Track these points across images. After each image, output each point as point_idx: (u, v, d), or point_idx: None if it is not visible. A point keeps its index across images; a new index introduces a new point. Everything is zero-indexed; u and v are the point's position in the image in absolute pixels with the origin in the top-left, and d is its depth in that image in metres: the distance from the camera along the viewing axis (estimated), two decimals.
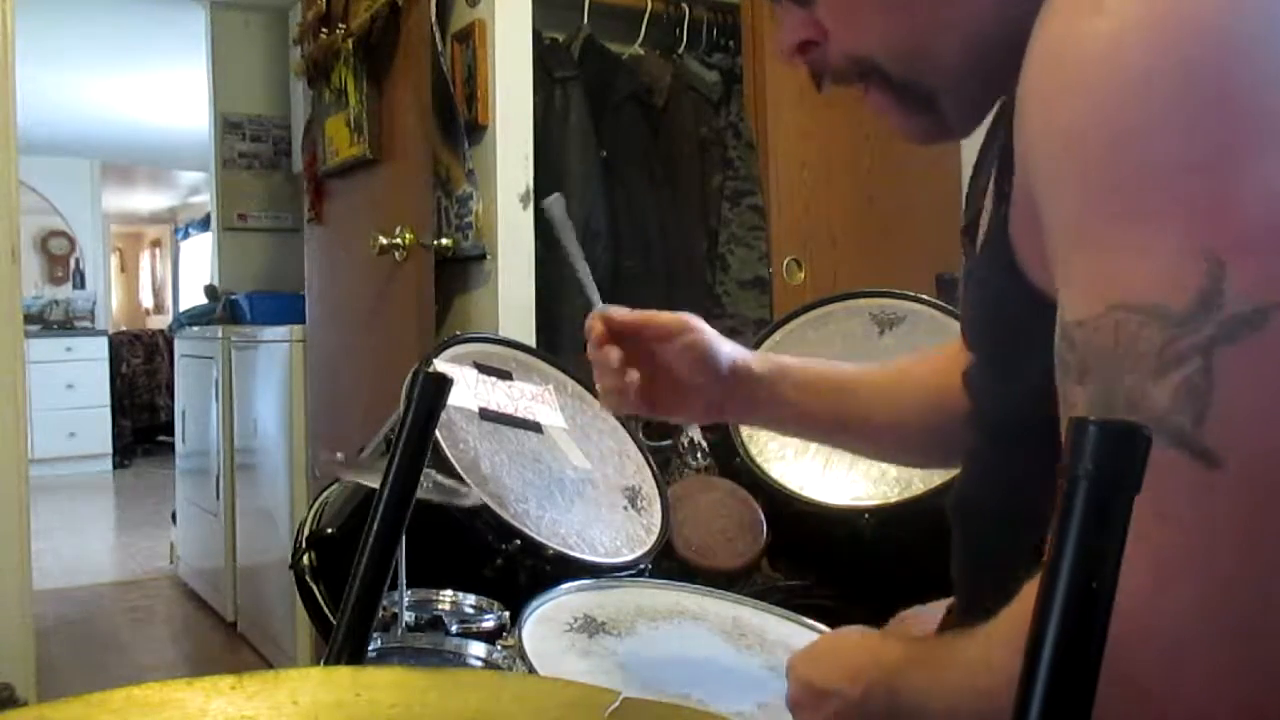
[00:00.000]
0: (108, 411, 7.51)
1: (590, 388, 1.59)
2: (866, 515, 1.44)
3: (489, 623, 1.07)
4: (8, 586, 2.37)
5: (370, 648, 0.69)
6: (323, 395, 2.89)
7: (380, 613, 0.92)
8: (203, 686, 0.38)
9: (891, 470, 1.46)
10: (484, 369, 1.43)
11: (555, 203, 1.07)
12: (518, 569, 1.18)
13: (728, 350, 0.97)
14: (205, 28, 4.12)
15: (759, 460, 1.56)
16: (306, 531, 1.31)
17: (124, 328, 9.06)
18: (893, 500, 1.44)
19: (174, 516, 4.38)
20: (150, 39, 5.08)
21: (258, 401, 3.37)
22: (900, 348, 1.59)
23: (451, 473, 1.19)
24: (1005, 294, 0.65)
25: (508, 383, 1.43)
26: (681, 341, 0.96)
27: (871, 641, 0.75)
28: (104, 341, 7.68)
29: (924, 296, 1.67)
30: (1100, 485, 0.33)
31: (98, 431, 7.44)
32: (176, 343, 4.34)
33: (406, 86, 2.38)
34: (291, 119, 4.01)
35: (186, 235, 8.27)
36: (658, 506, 1.38)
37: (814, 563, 1.54)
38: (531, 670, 0.88)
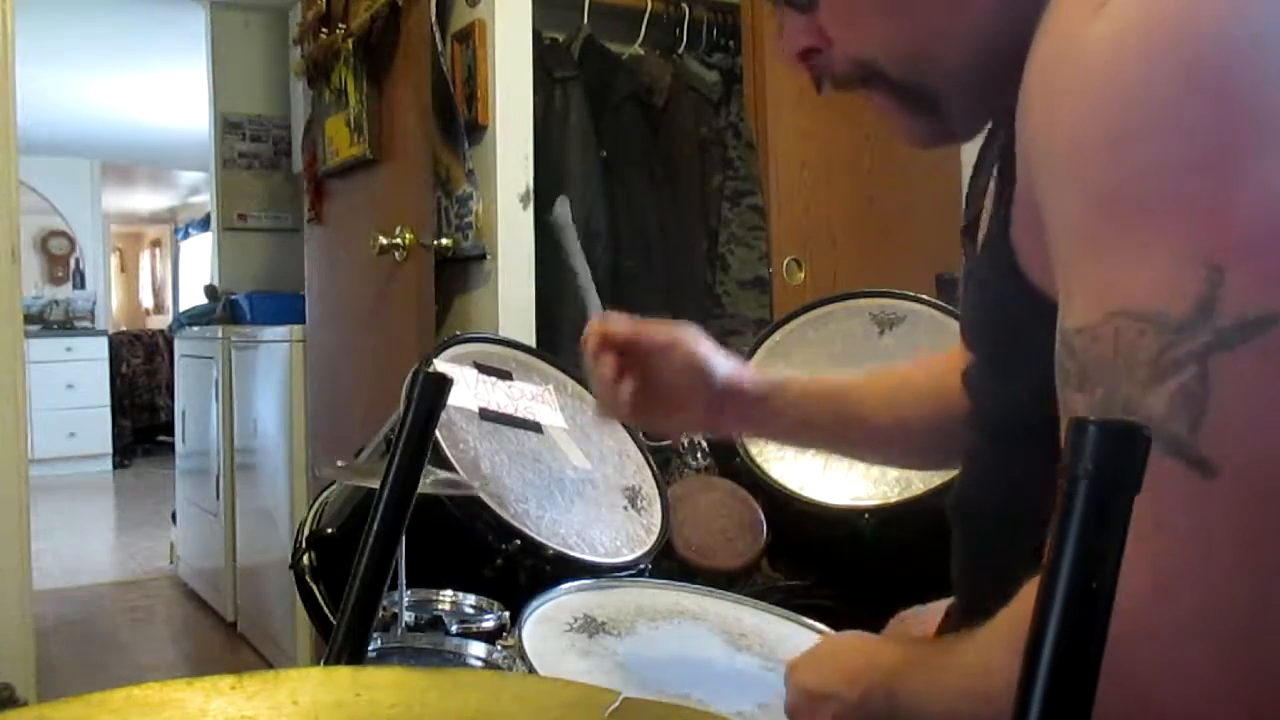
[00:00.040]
0: (108, 411, 7.51)
1: (590, 388, 1.60)
2: (866, 515, 1.44)
3: (489, 623, 1.07)
4: (8, 586, 2.37)
5: (370, 648, 0.69)
6: (323, 395, 2.89)
7: (380, 613, 0.92)
8: (203, 686, 0.38)
9: (891, 470, 1.46)
10: (484, 369, 1.43)
11: (561, 207, 1.07)
12: (518, 569, 1.18)
13: (724, 364, 0.97)
14: (205, 28, 4.12)
15: (759, 460, 1.56)
16: (306, 531, 1.31)
17: (124, 328, 9.06)
18: (893, 500, 1.44)
19: (174, 516, 4.38)
20: (150, 39, 5.08)
21: (258, 401, 3.37)
22: (900, 348, 1.59)
23: (451, 472, 1.19)
24: (1005, 294, 0.65)
25: (508, 383, 1.43)
26: (677, 355, 0.95)
27: (869, 645, 0.76)
28: (104, 341, 7.68)
29: (924, 296, 1.67)
30: (1100, 485, 0.33)
31: (98, 431, 7.44)
32: (176, 343, 4.34)
33: (406, 86, 2.38)
34: (291, 119, 4.01)
35: (186, 235, 8.27)
36: (658, 506, 1.38)
37: (814, 563, 1.54)
38: (531, 670, 0.88)
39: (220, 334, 3.70)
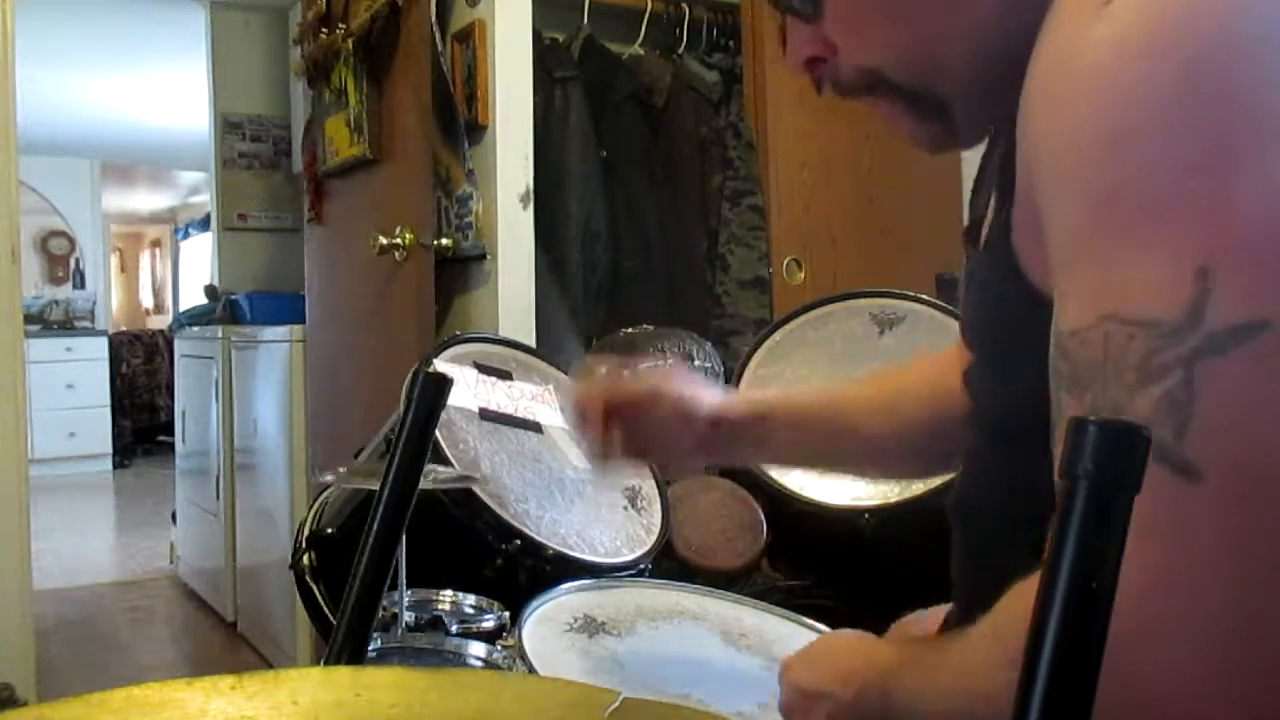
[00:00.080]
0: (108, 411, 7.51)
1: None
2: (866, 515, 1.44)
3: (489, 623, 1.07)
4: (8, 586, 2.37)
5: (370, 648, 0.69)
6: (323, 395, 2.89)
7: (380, 613, 0.92)
8: (203, 686, 0.38)
9: None
10: (484, 369, 1.43)
11: None
12: (518, 569, 1.18)
13: (709, 400, 0.96)
14: (205, 28, 4.12)
15: None
16: (306, 531, 1.31)
17: (124, 328, 9.06)
18: (893, 500, 1.44)
19: (174, 516, 4.38)
20: (150, 39, 5.08)
21: (258, 401, 3.37)
22: (900, 348, 1.59)
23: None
24: (1006, 296, 0.65)
25: (508, 383, 1.44)
26: (661, 403, 0.95)
27: (864, 644, 0.76)
28: (104, 341, 7.68)
29: (924, 296, 1.67)
30: (1100, 485, 0.33)
31: (98, 431, 7.44)
32: (176, 343, 4.34)
33: (406, 86, 2.38)
34: (291, 119, 4.01)
35: (186, 235, 8.27)
36: (658, 506, 1.38)
37: (814, 563, 1.54)
38: (531, 670, 0.88)
39: (220, 334, 3.70)
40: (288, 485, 3.08)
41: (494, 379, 1.42)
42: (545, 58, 2.54)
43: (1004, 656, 0.56)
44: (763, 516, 1.50)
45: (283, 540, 3.03)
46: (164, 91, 5.99)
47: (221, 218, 4.17)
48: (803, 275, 2.68)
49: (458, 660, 0.99)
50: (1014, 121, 0.61)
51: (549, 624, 0.99)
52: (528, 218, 2.35)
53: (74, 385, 7.32)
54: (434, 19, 2.37)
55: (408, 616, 1.02)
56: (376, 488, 0.53)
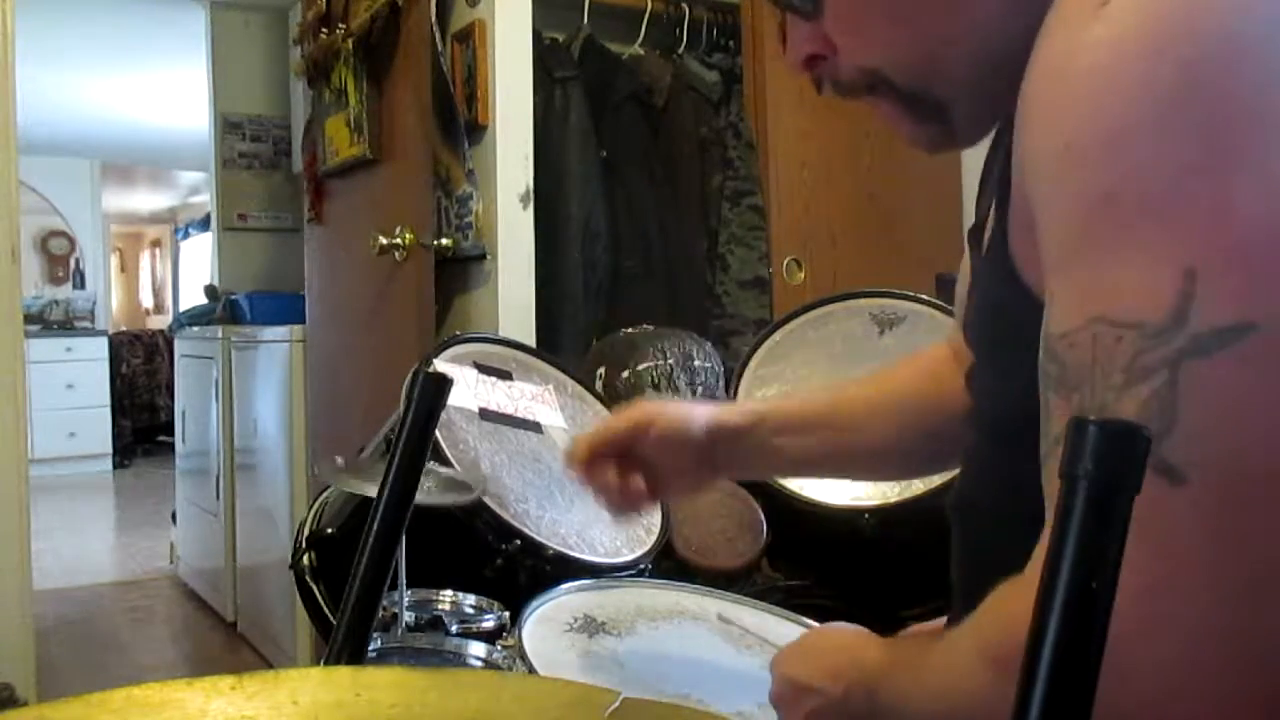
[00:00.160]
0: (108, 411, 7.51)
1: (589, 388, 1.59)
2: (866, 515, 1.44)
3: (489, 623, 1.07)
4: (8, 586, 2.37)
5: (370, 648, 0.69)
6: (323, 395, 2.89)
7: (380, 613, 0.92)
8: (203, 686, 0.38)
9: None
10: (484, 369, 1.43)
11: None
12: (518, 569, 1.18)
13: (701, 417, 0.96)
14: (205, 28, 4.12)
15: None
16: (306, 531, 1.31)
17: (124, 328, 9.06)
18: (893, 500, 1.44)
19: (174, 516, 4.38)
20: (150, 39, 5.08)
21: (258, 401, 3.37)
22: (900, 348, 1.59)
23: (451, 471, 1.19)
24: (1005, 297, 0.65)
25: (508, 383, 1.43)
26: (653, 434, 0.95)
27: (854, 641, 0.76)
28: (104, 341, 7.68)
29: (924, 296, 1.67)
30: (1100, 485, 0.33)
31: (98, 431, 7.44)
32: (176, 343, 4.34)
33: (406, 86, 2.38)
34: (291, 119, 4.01)
35: (186, 235, 8.27)
36: (658, 506, 1.38)
37: (814, 563, 1.54)
38: (531, 670, 0.88)
39: (220, 334, 3.70)
40: (288, 485, 3.08)
41: (494, 379, 1.42)
42: (545, 58, 2.54)
43: (986, 657, 0.56)
44: (763, 516, 1.50)
45: (283, 540, 3.03)
46: (164, 91, 5.99)
47: (221, 218, 4.17)
48: (803, 275, 2.68)
49: (458, 660, 0.99)
50: (1014, 121, 0.61)
51: (549, 624, 0.99)
52: (528, 218, 2.35)
53: (74, 385, 7.32)
54: (434, 19, 2.37)
55: (408, 616, 1.02)
56: (374, 493, 0.53)
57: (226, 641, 3.58)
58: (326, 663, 0.50)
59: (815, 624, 1.06)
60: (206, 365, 3.80)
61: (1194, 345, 0.48)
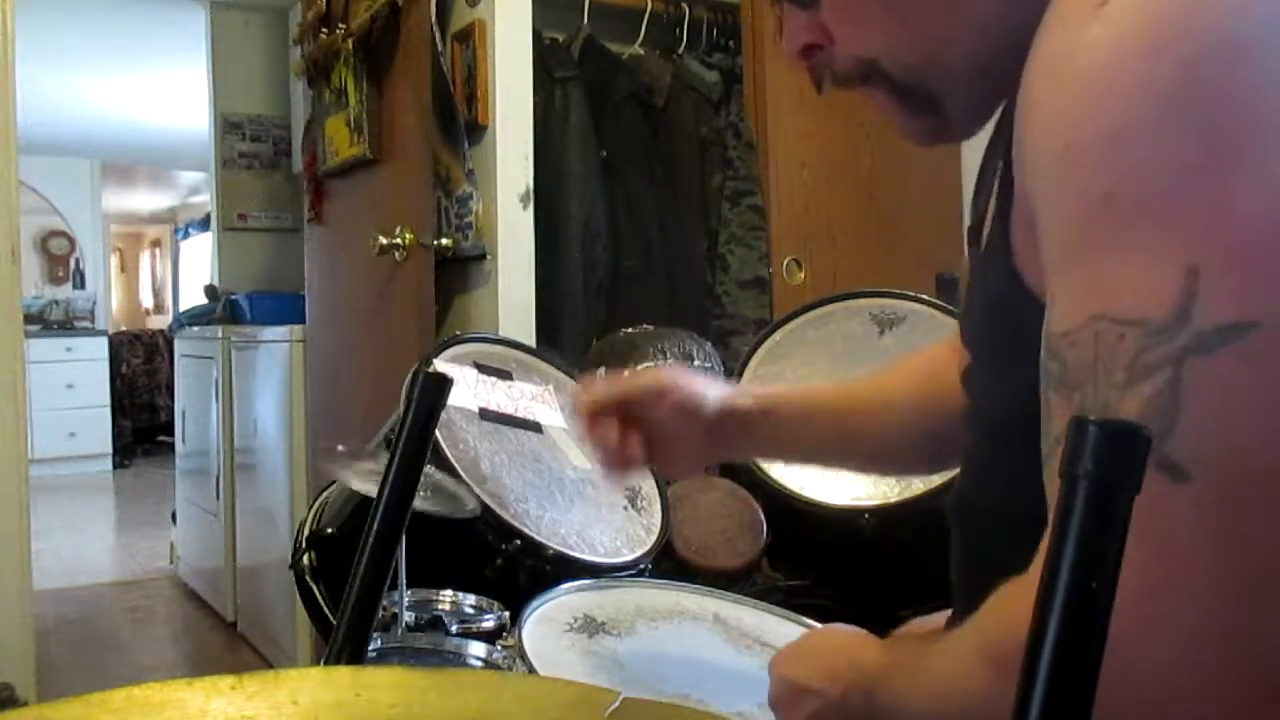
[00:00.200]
0: (108, 411, 7.51)
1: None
2: (866, 515, 1.44)
3: (489, 623, 1.07)
4: (8, 586, 2.37)
5: (370, 648, 0.69)
6: (323, 395, 2.89)
7: (380, 613, 0.92)
8: (203, 686, 0.38)
9: None
10: (484, 369, 1.43)
11: None
12: (518, 569, 1.18)
13: (715, 396, 0.96)
14: (205, 28, 4.12)
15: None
16: (306, 531, 1.31)
17: (124, 328, 9.06)
18: (893, 500, 1.44)
19: (174, 516, 4.38)
20: (150, 39, 5.08)
21: (258, 401, 3.37)
22: (900, 348, 1.59)
23: (451, 473, 1.19)
24: (1004, 295, 0.65)
25: (508, 383, 1.43)
26: (667, 402, 0.95)
27: (853, 643, 0.76)
28: (104, 341, 7.68)
29: (924, 296, 1.67)
30: (1100, 485, 0.33)
31: (98, 431, 7.44)
32: (176, 343, 4.34)
33: (406, 86, 2.38)
34: (291, 119, 4.01)
35: (186, 235, 8.27)
36: (658, 506, 1.38)
37: (814, 563, 1.54)
38: (531, 670, 0.88)
39: (220, 334, 3.70)
40: (288, 485, 3.08)
41: (494, 379, 1.42)
42: (545, 58, 2.54)
43: (987, 657, 0.56)
44: (763, 516, 1.50)
45: (283, 540, 3.03)
46: (164, 91, 5.99)
47: (221, 218, 4.17)
48: (803, 275, 2.68)
49: (458, 660, 0.99)
50: (1014, 120, 0.61)
51: (549, 624, 0.99)
52: (528, 218, 2.35)
53: (74, 385, 7.32)
54: (434, 19, 2.37)
55: (408, 616, 1.02)
56: (372, 493, 0.53)
57: (226, 641, 3.58)
58: (326, 663, 0.50)
59: (815, 624, 1.06)
60: (206, 365, 3.80)
61: (1198, 342, 0.48)
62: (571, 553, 1.21)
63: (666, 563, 1.39)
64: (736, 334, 2.55)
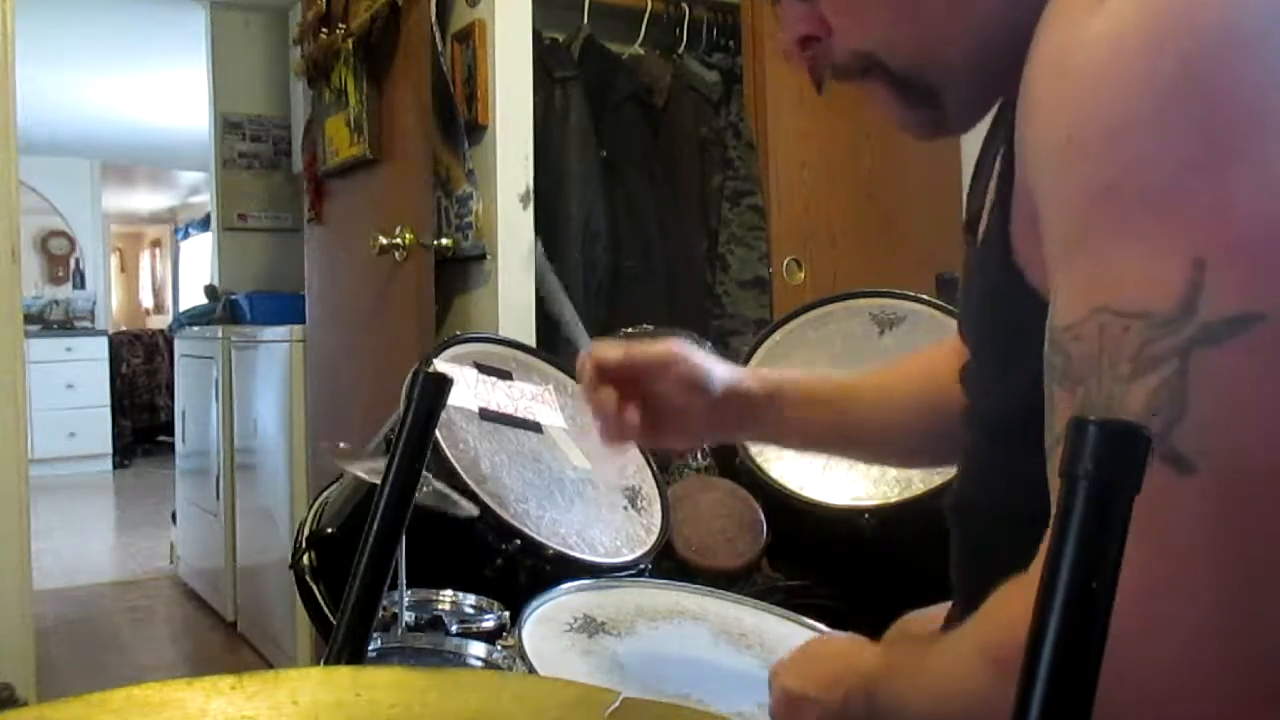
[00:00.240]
0: (108, 411, 7.51)
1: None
2: (866, 515, 1.44)
3: (489, 623, 1.07)
4: (8, 586, 2.37)
5: (370, 648, 0.69)
6: (323, 395, 2.89)
7: (380, 613, 0.92)
8: (203, 686, 0.38)
9: (891, 470, 1.46)
10: (484, 369, 1.43)
11: (536, 249, 1.06)
12: (518, 569, 1.18)
13: (721, 373, 0.96)
14: (205, 28, 4.12)
15: (759, 460, 1.56)
16: (306, 531, 1.31)
17: (124, 328, 9.06)
18: (893, 500, 1.44)
19: (174, 516, 4.38)
20: (150, 39, 5.08)
21: (258, 401, 3.37)
22: (900, 348, 1.59)
23: (451, 473, 1.19)
24: (1003, 290, 0.65)
25: (508, 383, 1.43)
26: (674, 373, 0.95)
27: (851, 649, 0.76)
28: (104, 341, 7.68)
29: (924, 296, 1.67)
30: (1100, 485, 0.33)
31: (98, 431, 7.44)
32: (176, 343, 4.34)
33: (406, 86, 2.38)
34: (291, 119, 4.01)
35: (186, 235, 8.27)
36: (658, 506, 1.38)
37: (814, 563, 1.54)
38: (531, 670, 0.88)
39: (220, 334, 3.70)
40: (288, 485, 3.08)
41: (494, 379, 1.42)
42: (545, 58, 2.54)
43: (988, 657, 0.56)
44: (763, 516, 1.50)
45: (283, 540, 3.03)
46: (164, 91, 5.99)
47: (221, 218, 4.17)
48: (803, 275, 2.68)
49: (458, 660, 0.99)
50: (1013, 113, 0.61)
51: (549, 624, 0.99)
52: (528, 218, 2.35)
53: (74, 385, 7.32)
54: (434, 19, 2.37)
55: (408, 616, 1.02)
56: (376, 483, 0.53)
57: (226, 641, 3.58)
58: (326, 663, 0.50)
59: (815, 624, 1.06)
60: (206, 365, 3.80)
61: (1204, 334, 0.48)
62: (571, 553, 1.21)
63: (666, 563, 1.39)
64: (736, 334, 2.55)
